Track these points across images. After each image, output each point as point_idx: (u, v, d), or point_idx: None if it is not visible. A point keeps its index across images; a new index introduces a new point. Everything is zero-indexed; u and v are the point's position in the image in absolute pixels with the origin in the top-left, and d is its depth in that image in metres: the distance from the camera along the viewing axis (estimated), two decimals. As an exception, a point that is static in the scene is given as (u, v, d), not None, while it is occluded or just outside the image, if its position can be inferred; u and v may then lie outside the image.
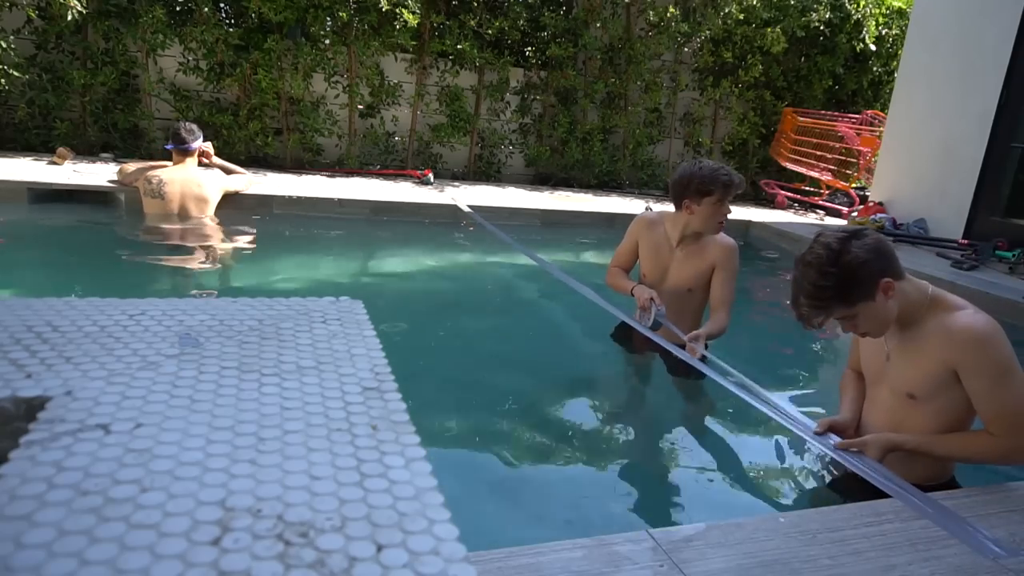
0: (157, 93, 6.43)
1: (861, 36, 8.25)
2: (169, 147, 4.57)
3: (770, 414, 2.12)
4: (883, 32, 8.49)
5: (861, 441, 1.86)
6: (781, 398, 2.26)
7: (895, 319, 1.80)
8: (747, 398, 2.18)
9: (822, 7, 8.07)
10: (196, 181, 4.50)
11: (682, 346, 2.55)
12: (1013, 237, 5.50)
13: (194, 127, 4.61)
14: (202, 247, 4.35)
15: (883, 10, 8.39)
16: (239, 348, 1.25)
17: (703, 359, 2.49)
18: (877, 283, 1.73)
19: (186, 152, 4.53)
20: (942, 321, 1.76)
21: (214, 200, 4.56)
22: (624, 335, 3.09)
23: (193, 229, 4.41)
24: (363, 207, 5.50)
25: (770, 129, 8.61)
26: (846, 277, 1.72)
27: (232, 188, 4.72)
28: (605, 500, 2.09)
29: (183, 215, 4.45)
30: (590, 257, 5.05)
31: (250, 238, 4.60)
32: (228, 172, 4.82)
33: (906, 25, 7.54)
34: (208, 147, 4.77)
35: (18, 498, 0.78)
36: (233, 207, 4.73)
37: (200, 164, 4.67)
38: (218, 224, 4.52)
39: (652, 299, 2.66)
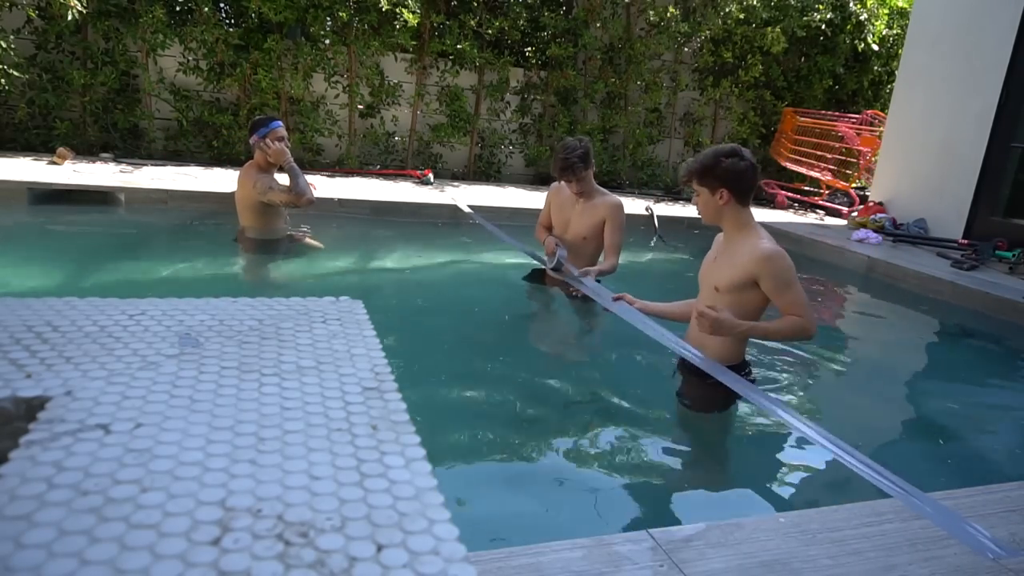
0: (157, 93, 6.44)
1: (863, 36, 8.25)
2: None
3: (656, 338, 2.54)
4: (884, 32, 8.50)
5: (715, 317, 2.35)
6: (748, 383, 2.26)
7: (727, 227, 2.50)
8: (639, 326, 2.68)
9: (823, 7, 8.07)
10: (238, 183, 3.95)
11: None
12: (1013, 237, 5.50)
13: (261, 117, 3.90)
14: (214, 250, 4.29)
15: (886, 10, 8.40)
16: (239, 348, 1.25)
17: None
18: (719, 188, 2.40)
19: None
20: (750, 243, 2.43)
21: (242, 208, 3.96)
22: (535, 277, 3.94)
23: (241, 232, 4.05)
24: (363, 207, 5.50)
25: (770, 129, 8.62)
26: (710, 166, 2.41)
27: (267, 199, 3.82)
28: (605, 500, 2.09)
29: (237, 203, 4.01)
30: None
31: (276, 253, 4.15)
32: (291, 181, 3.80)
33: (906, 25, 7.54)
34: (268, 145, 3.76)
35: (18, 498, 0.78)
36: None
37: (261, 166, 3.85)
38: (249, 237, 4.01)
39: (556, 244, 3.52)
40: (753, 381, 2.55)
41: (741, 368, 2.52)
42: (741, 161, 2.39)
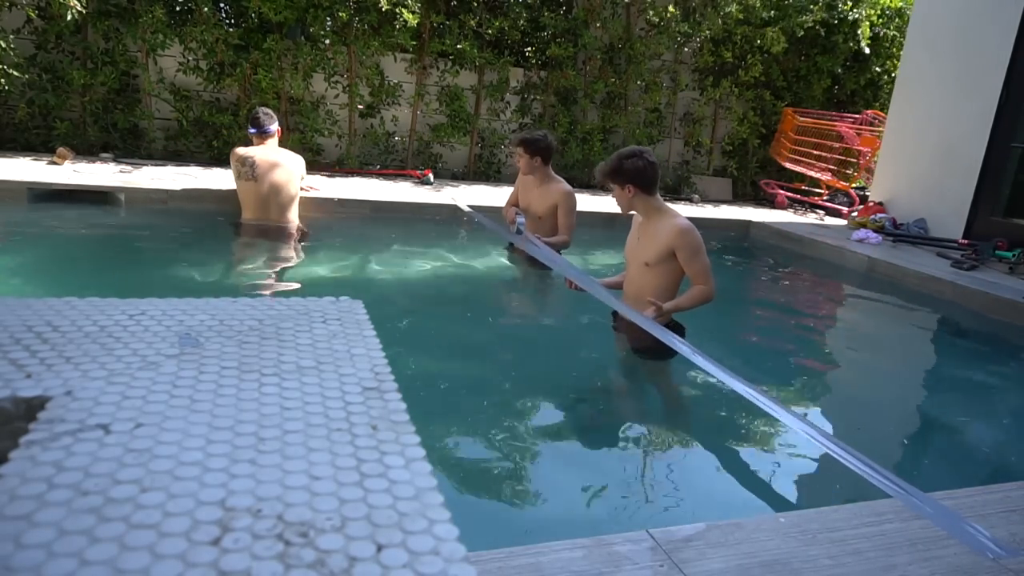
0: (157, 93, 6.43)
1: (856, 36, 8.25)
2: (251, 132, 4.38)
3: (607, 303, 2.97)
4: (880, 32, 8.49)
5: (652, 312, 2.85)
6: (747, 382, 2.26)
7: (642, 213, 3.03)
8: (593, 291, 3.05)
9: (818, 7, 8.06)
10: (280, 161, 4.39)
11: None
12: (1013, 237, 5.50)
13: (270, 111, 4.49)
14: (216, 247, 4.34)
15: (877, 11, 8.38)
16: (239, 348, 1.25)
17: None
18: (626, 183, 2.91)
19: (265, 135, 4.38)
20: (667, 221, 2.94)
21: (292, 194, 4.44)
22: (511, 249, 4.61)
23: (278, 219, 4.39)
24: (363, 207, 5.49)
25: (770, 129, 8.61)
26: (616, 167, 2.92)
27: (304, 180, 4.63)
28: (605, 500, 2.09)
29: (273, 193, 4.34)
30: (590, 257, 5.05)
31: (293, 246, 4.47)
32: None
33: (905, 25, 7.53)
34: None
35: (18, 498, 0.78)
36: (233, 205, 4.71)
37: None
38: (290, 228, 4.43)
39: (516, 214, 4.23)
40: (682, 331, 3.03)
41: (674, 327, 2.97)
42: (640, 160, 2.90)
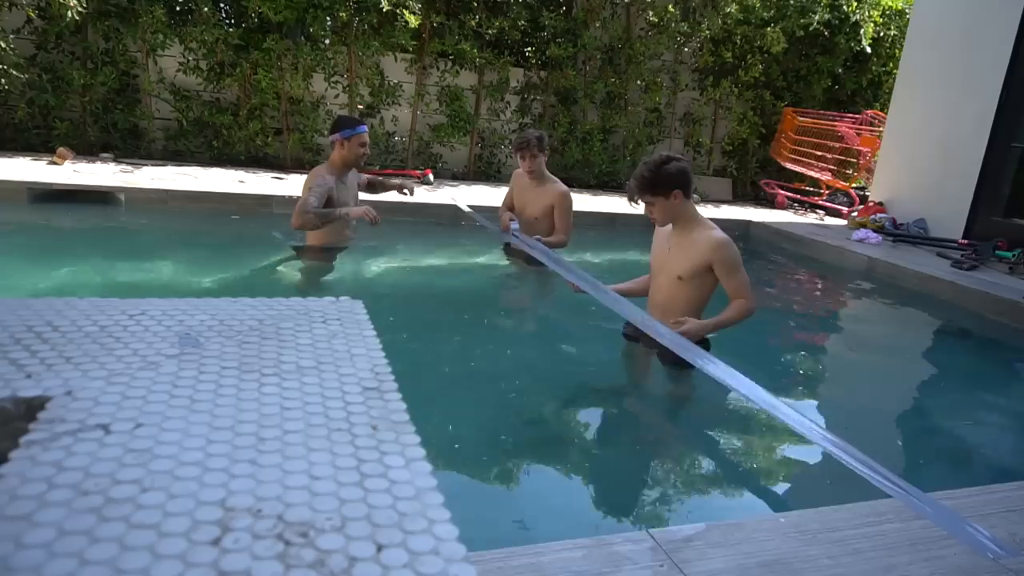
0: (157, 93, 6.43)
1: (858, 37, 8.25)
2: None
3: (609, 304, 2.90)
4: (881, 32, 8.49)
5: (685, 328, 2.67)
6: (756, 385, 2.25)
7: (676, 222, 2.81)
8: (610, 306, 2.95)
9: (821, 8, 8.06)
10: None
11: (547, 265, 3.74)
12: (1013, 237, 5.50)
13: (346, 117, 3.95)
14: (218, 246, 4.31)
15: (880, 12, 8.38)
16: (239, 348, 1.25)
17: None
18: (672, 191, 2.71)
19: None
20: (703, 233, 2.76)
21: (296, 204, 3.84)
22: (509, 250, 4.48)
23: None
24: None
25: (770, 129, 8.61)
26: (658, 176, 2.69)
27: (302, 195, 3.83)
28: (605, 500, 2.09)
29: None
30: (590, 257, 5.05)
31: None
32: (376, 186, 4.38)
33: (905, 25, 7.53)
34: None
35: (18, 498, 0.78)
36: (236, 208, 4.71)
37: (335, 165, 3.90)
38: (309, 245, 4.03)
39: (511, 220, 4.19)
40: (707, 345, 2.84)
41: (700, 341, 2.78)
42: (678, 162, 2.74)
